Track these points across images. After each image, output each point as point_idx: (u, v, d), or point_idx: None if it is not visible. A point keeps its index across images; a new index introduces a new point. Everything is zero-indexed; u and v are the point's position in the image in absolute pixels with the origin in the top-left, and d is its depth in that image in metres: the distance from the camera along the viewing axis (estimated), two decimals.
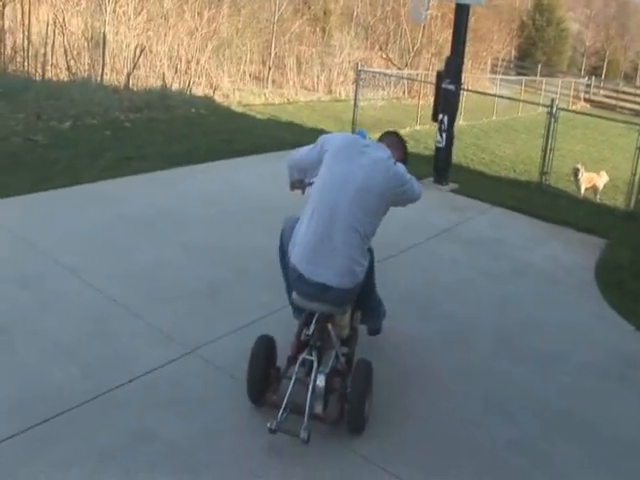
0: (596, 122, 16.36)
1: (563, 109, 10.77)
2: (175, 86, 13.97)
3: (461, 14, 7.86)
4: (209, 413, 3.23)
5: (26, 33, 13.02)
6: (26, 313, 3.96)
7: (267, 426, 2.89)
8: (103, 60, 13.19)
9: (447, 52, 8.89)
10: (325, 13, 26.35)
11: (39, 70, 12.80)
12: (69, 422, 3.04)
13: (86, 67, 13.21)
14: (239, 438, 3.08)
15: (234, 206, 6.35)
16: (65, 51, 13.01)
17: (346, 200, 3.09)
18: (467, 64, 20.05)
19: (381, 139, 3.51)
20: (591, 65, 45.93)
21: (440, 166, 8.28)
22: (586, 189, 10.58)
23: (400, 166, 3.29)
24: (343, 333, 3.50)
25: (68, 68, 12.93)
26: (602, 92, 36.43)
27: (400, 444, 3.18)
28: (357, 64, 14.93)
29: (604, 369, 4.18)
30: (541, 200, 8.39)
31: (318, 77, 20.15)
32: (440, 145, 8.23)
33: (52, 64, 13.06)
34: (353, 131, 11.22)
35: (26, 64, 12.95)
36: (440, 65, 12.52)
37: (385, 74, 19.10)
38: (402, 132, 4.69)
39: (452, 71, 7.99)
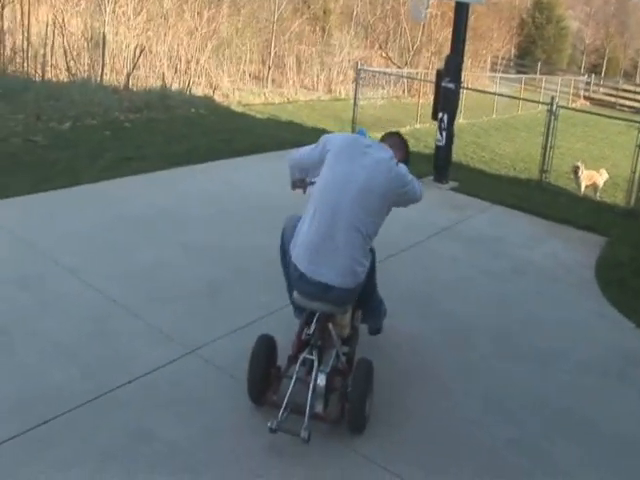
0: (596, 120, 16.32)
1: (563, 107, 10.77)
2: (175, 86, 13.97)
3: (461, 12, 7.86)
4: (209, 413, 3.23)
5: (26, 34, 13.02)
6: (26, 313, 3.96)
7: (267, 425, 2.89)
8: (103, 60, 13.18)
9: (447, 50, 8.89)
10: (325, 12, 26.30)
11: (39, 71, 12.80)
12: (69, 423, 3.04)
13: (86, 67, 13.20)
14: (239, 438, 3.08)
15: (234, 206, 6.35)
16: (65, 52, 13.01)
17: (348, 200, 3.10)
18: (467, 62, 20.03)
19: (383, 139, 3.51)
20: (591, 63, 45.87)
21: (440, 164, 8.28)
22: (586, 187, 10.56)
23: (402, 167, 3.29)
24: (344, 332, 3.50)
25: (68, 69, 12.93)
26: (602, 90, 36.36)
27: (401, 443, 3.18)
28: (357, 63, 14.93)
29: (604, 367, 4.18)
30: (541, 198, 8.39)
31: (318, 76, 20.13)
32: (440, 143, 8.23)
33: (52, 65, 13.05)
34: (353, 130, 11.22)
35: (26, 65, 12.95)
36: (440, 64, 12.50)
37: (385, 73, 19.09)
38: (402, 131, 4.71)
39: (452, 69, 7.99)
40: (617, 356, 4.34)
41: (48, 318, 3.93)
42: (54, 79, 12.69)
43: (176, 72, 14.91)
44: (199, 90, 14.64)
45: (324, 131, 9.50)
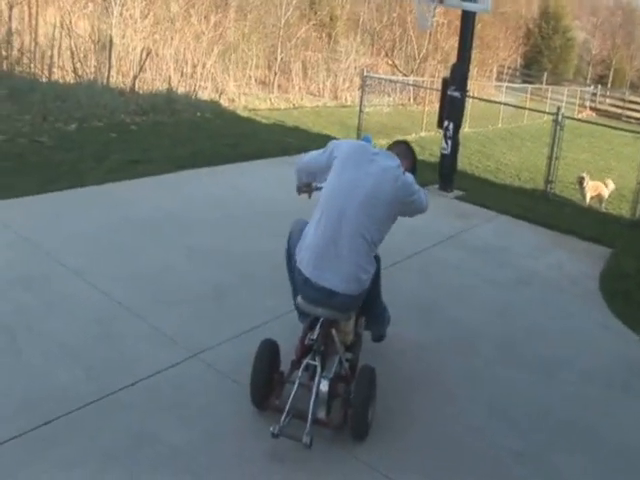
0: (602, 131, 16.37)
1: (569, 117, 10.76)
2: (181, 90, 13.99)
3: (467, 21, 7.88)
4: (212, 417, 3.23)
5: (33, 35, 13.09)
6: (31, 314, 3.96)
7: (270, 430, 2.88)
8: (109, 63, 13.21)
9: (453, 59, 8.90)
10: (331, 19, 26.39)
11: (45, 72, 12.86)
12: (73, 423, 3.04)
13: (92, 69, 13.23)
14: (241, 442, 3.07)
15: (239, 210, 6.36)
16: (72, 53, 13.05)
17: (354, 207, 3.10)
18: (473, 71, 20.03)
19: (390, 148, 3.50)
20: (597, 74, 45.85)
21: (445, 173, 8.28)
22: (591, 198, 10.56)
23: (409, 176, 3.29)
24: (347, 339, 3.49)
25: (74, 70, 12.96)
26: (608, 101, 36.38)
27: (404, 450, 3.17)
28: (363, 70, 14.96)
29: (608, 378, 4.17)
30: (546, 208, 8.38)
31: (324, 83, 20.17)
32: (445, 152, 8.23)
33: (58, 66, 13.11)
34: (358, 137, 11.22)
35: (33, 66, 13.01)
36: (446, 72, 12.52)
37: (391, 80, 19.14)
38: (408, 139, 4.70)
39: (458, 78, 8.00)
40: (621, 367, 4.33)
41: (53, 319, 3.94)
42: (61, 80, 12.74)
43: (182, 76, 14.93)
44: (205, 94, 14.66)
45: (329, 137, 9.51)
